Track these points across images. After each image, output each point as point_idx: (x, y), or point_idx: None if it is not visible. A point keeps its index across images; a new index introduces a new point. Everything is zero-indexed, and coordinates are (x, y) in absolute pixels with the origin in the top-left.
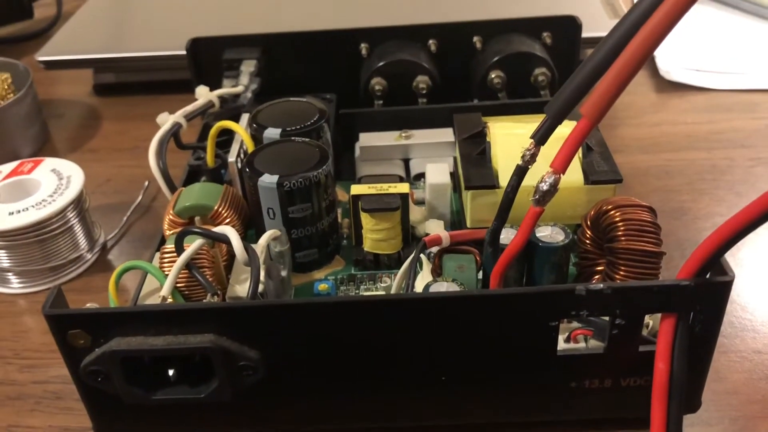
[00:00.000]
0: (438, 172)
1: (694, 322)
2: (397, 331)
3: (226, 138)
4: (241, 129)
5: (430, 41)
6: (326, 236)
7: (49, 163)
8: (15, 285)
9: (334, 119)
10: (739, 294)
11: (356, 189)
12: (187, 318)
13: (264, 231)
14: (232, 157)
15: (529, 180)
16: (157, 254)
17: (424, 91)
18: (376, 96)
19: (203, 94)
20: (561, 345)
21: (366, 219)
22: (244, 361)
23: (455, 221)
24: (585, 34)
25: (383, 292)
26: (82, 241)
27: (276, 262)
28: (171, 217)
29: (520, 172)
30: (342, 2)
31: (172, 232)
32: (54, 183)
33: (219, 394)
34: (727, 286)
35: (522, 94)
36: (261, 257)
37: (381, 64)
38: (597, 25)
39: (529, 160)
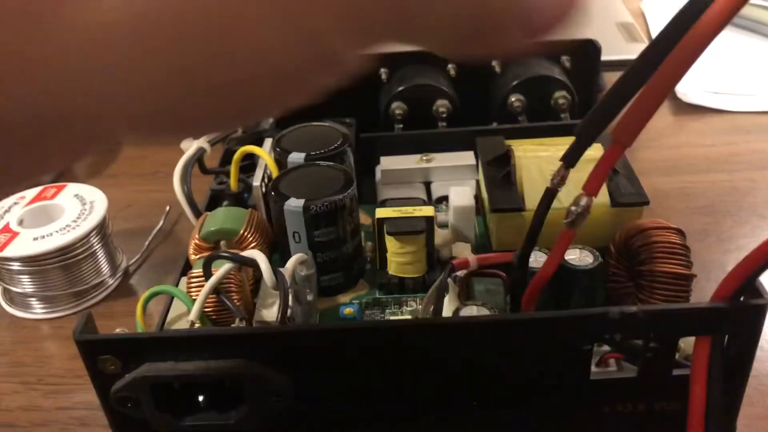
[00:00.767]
0: (462, 195)
1: (729, 346)
2: (428, 356)
3: (248, 162)
4: (265, 153)
5: (450, 65)
6: (351, 260)
7: (72, 188)
8: (38, 310)
9: (355, 143)
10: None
11: (381, 212)
12: (218, 343)
13: (289, 255)
14: (256, 182)
15: (555, 202)
16: (184, 279)
17: (444, 115)
18: (396, 120)
19: None
20: (592, 369)
21: (391, 242)
22: (274, 386)
23: (479, 244)
24: (603, 57)
25: (409, 316)
26: (105, 267)
27: (302, 287)
28: (197, 241)
29: (550, 195)
30: None
31: (198, 256)
32: (77, 208)
33: (248, 420)
34: (762, 309)
35: (542, 117)
36: (288, 282)
37: (401, 88)
38: (614, 48)
39: (559, 182)
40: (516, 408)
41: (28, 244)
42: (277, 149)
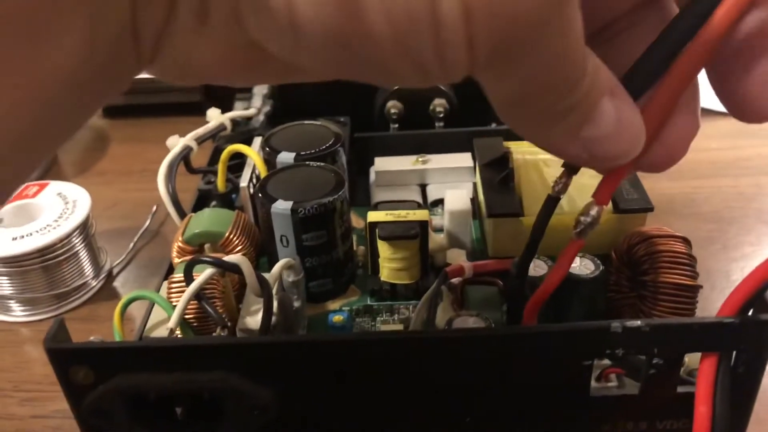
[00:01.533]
0: (457, 199)
1: (736, 362)
2: (418, 369)
3: (237, 162)
4: (253, 153)
5: None
6: (341, 265)
7: (55, 186)
8: (17, 313)
9: (348, 143)
10: None
11: (373, 216)
12: (196, 354)
13: (276, 259)
14: (244, 182)
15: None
16: (165, 283)
17: (441, 115)
18: (391, 119)
19: (214, 116)
20: (592, 384)
21: (383, 247)
22: (256, 400)
23: (476, 250)
24: None
25: (401, 325)
26: (88, 268)
27: (289, 293)
28: (180, 244)
29: (552, 203)
30: None
31: (181, 260)
32: (59, 207)
33: None
34: None
35: None
36: (274, 288)
37: (397, 86)
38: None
39: (561, 189)
40: (511, 425)
41: (7, 244)
42: (266, 148)
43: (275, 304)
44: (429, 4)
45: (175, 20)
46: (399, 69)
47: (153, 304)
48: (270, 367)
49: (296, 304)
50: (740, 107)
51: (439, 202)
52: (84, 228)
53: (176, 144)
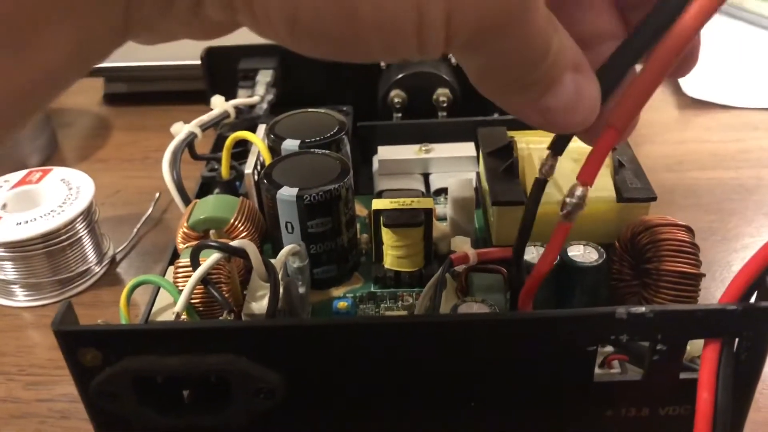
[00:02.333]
0: (462, 187)
1: (739, 349)
2: (424, 354)
3: (240, 149)
4: (258, 140)
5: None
6: (345, 252)
7: (58, 172)
8: (20, 298)
9: (351, 132)
10: None
11: (378, 203)
12: (204, 337)
13: (281, 246)
14: (248, 169)
15: (557, 194)
16: (171, 268)
17: (445, 105)
18: (395, 109)
19: (218, 104)
20: (596, 371)
21: (388, 235)
22: (263, 383)
23: (479, 238)
24: None
25: (405, 312)
26: (91, 254)
27: (294, 279)
28: (185, 230)
29: (540, 185)
30: None
31: (186, 245)
32: (63, 193)
33: (235, 418)
34: None
35: None
36: (279, 273)
37: (400, 76)
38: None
39: (548, 171)
40: (515, 410)
41: (10, 229)
42: (271, 136)
43: (281, 289)
44: (416, 14)
45: (170, 16)
46: (381, 58)
47: (158, 290)
48: (277, 351)
49: (301, 290)
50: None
51: (442, 191)
52: (87, 214)
53: (180, 131)
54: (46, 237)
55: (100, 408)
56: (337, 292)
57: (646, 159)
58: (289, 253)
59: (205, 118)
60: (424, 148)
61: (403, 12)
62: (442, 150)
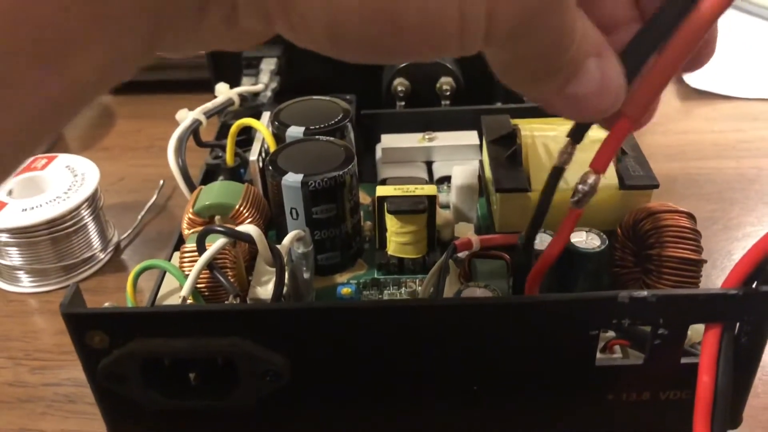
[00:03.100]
0: (465, 175)
1: (739, 334)
2: (428, 338)
3: (244, 137)
4: (263, 127)
5: None
6: (349, 239)
7: (63, 159)
8: (26, 284)
9: (355, 120)
10: None
11: (382, 190)
12: (210, 320)
13: (286, 232)
14: (253, 156)
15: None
16: (176, 254)
17: (448, 93)
18: (398, 97)
19: (223, 91)
20: (598, 355)
21: (391, 221)
22: (269, 365)
23: (481, 226)
24: None
25: (409, 298)
26: (96, 240)
27: (299, 264)
28: (190, 215)
29: (557, 173)
30: None
31: (191, 231)
32: (68, 180)
33: (242, 399)
34: None
35: None
36: (284, 258)
37: (404, 64)
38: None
39: (566, 159)
40: (517, 393)
41: (16, 215)
42: (276, 123)
43: (287, 274)
44: (458, 14)
45: (202, 29)
46: (421, 58)
47: (163, 275)
48: (283, 334)
49: (306, 275)
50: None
51: (445, 179)
52: (92, 201)
53: (185, 117)
54: (52, 223)
55: (107, 390)
56: (341, 278)
57: (649, 148)
58: (294, 239)
59: (210, 105)
60: (427, 137)
61: (447, 12)
62: (445, 138)
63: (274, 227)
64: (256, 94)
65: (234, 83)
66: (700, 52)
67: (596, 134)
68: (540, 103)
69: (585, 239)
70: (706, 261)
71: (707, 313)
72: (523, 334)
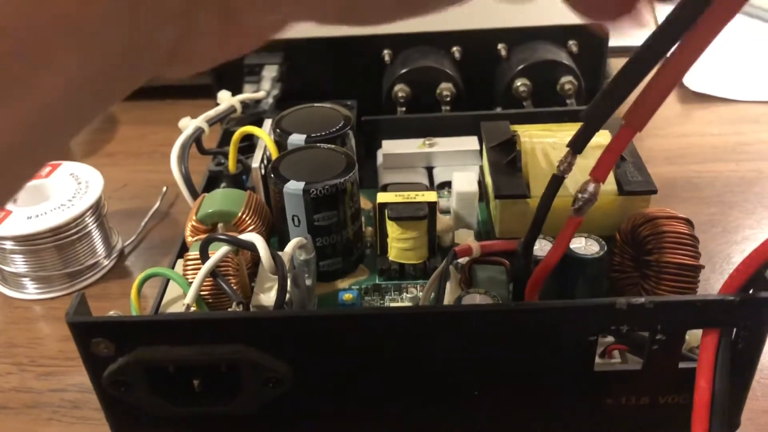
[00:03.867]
0: (465, 181)
1: (736, 339)
2: (428, 344)
3: (246, 144)
4: (265, 135)
5: (454, 48)
6: (351, 245)
7: (67, 167)
8: (31, 290)
9: (356, 126)
10: None
11: (383, 197)
12: (214, 327)
13: (288, 239)
14: (255, 163)
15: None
16: (180, 261)
17: (448, 99)
18: (399, 103)
19: (225, 98)
20: (597, 360)
21: (392, 227)
22: (272, 372)
23: (482, 231)
24: (611, 43)
25: (410, 303)
26: (100, 247)
27: (301, 271)
28: (193, 223)
29: (556, 182)
30: None
31: (195, 238)
32: (72, 187)
33: (245, 406)
34: None
35: (547, 103)
36: (287, 266)
37: (404, 70)
38: (622, 33)
39: (566, 168)
40: (517, 397)
41: (21, 222)
42: (277, 130)
43: (289, 281)
44: None
45: (193, 36)
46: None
47: (167, 282)
48: (285, 341)
49: (308, 282)
50: None
51: (446, 184)
52: (96, 208)
53: (188, 125)
54: (56, 231)
55: (113, 397)
56: (342, 284)
57: (649, 152)
58: (296, 246)
59: (212, 113)
60: (427, 142)
61: None
62: (445, 144)
63: (276, 234)
64: (258, 101)
65: (236, 90)
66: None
67: (596, 141)
68: None
69: (584, 245)
70: (703, 266)
71: (704, 318)
72: (522, 340)
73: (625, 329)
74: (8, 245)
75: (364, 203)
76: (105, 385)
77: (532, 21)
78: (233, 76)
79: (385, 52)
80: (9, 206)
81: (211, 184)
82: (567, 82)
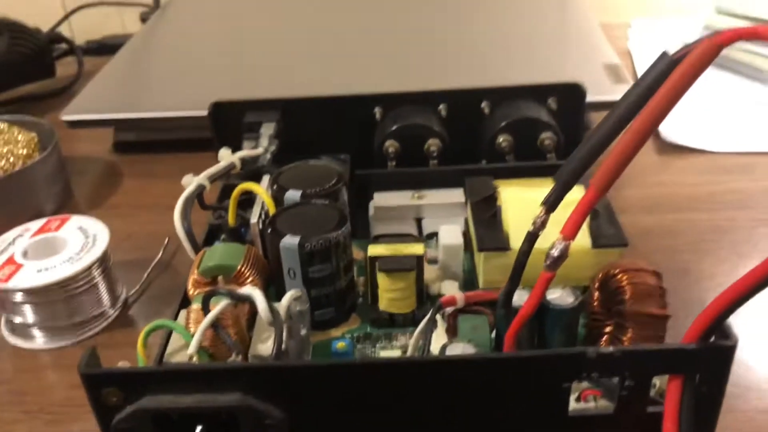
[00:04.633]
0: (451, 234)
1: (700, 384)
2: (415, 391)
3: (246, 197)
4: (263, 191)
5: (441, 106)
6: (344, 295)
7: (76, 221)
8: (39, 340)
9: (349, 178)
10: (743, 354)
11: (373, 250)
12: (216, 377)
13: (284, 289)
14: (254, 219)
15: (540, 242)
16: (182, 312)
17: (435, 153)
18: (389, 157)
19: (225, 156)
20: (572, 405)
21: (382, 279)
22: (270, 419)
23: (467, 280)
24: (589, 99)
25: (399, 351)
26: (105, 298)
27: (296, 322)
28: (195, 277)
29: (531, 238)
30: (357, 68)
31: (197, 291)
32: (80, 241)
33: None
34: (730, 350)
35: (529, 157)
36: (283, 317)
37: (395, 127)
38: (600, 89)
39: (539, 226)
40: None
41: (32, 276)
42: (275, 186)
43: (285, 332)
44: None
45: None
46: None
47: (170, 333)
48: (282, 389)
49: (303, 331)
50: None
51: (434, 235)
52: (103, 261)
53: (191, 182)
54: (65, 283)
55: None
56: (336, 332)
57: (625, 201)
58: (291, 299)
59: (213, 170)
60: (416, 195)
61: None
62: (433, 196)
63: (273, 284)
64: (256, 157)
65: (235, 145)
66: None
67: (571, 197)
68: None
69: (560, 295)
70: (670, 316)
71: (668, 365)
72: (501, 386)
73: (596, 376)
74: (18, 297)
75: (356, 253)
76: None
77: (514, 80)
78: (233, 132)
79: (377, 109)
80: (20, 260)
81: (212, 236)
82: (547, 137)
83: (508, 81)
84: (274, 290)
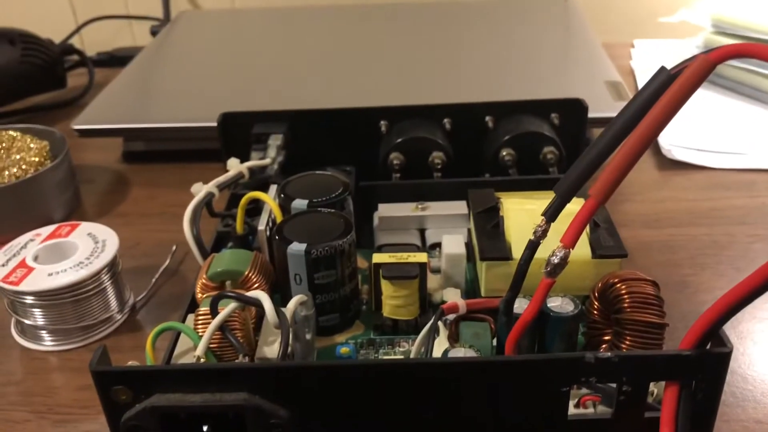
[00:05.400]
0: (454, 243)
1: (696, 390)
2: (417, 393)
3: (253, 206)
4: (270, 200)
5: (445, 120)
6: (348, 301)
7: (86, 227)
8: (47, 342)
9: (354, 190)
10: (740, 365)
11: (377, 257)
12: (223, 377)
13: (290, 295)
14: (261, 226)
15: (541, 252)
16: (191, 315)
17: (439, 166)
18: (394, 169)
19: (234, 165)
20: (571, 410)
21: (386, 286)
22: (275, 419)
23: (469, 289)
24: (591, 115)
25: (402, 357)
26: (113, 302)
27: (302, 326)
28: (203, 281)
29: (533, 247)
30: (364, 83)
31: (205, 295)
32: (90, 246)
33: None
34: (725, 356)
35: (531, 171)
36: (289, 321)
37: (399, 140)
38: (602, 106)
39: (540, 235)
40: None
41: (42, 279)
42: (282, 195)
43: (291, 335)
44: None
45: None
46: None
47: (177, 335)
48: (287, 390)
49: (308, 336)
50: None
51: (437, 245)
52: (112, 266)
53: (200, 190)
54: (74, 287)
55: None
56: (340, 338)
57: (626, 216)
58: (297, 303)
59: (222, 179)
60: (420, 206)
61: None
62: (436, 208)
63: (279, 290)
64: (264, 167)
65: (243, 155)
66: None
67: (571, 208)
68: None
69: (560, 304)
70: (668, 324)
71: (664, 372)
72: (501, 391)
73: (594, 381)
74: (29, 300)
75: (361, 263)
76: (122, 430)
77: (518, 95)
78: (241, 143)
79: (382, 123)
80: (31, 264)
81: (219, 243)
82: (549, 152)
83: (512, 96)
84: (280, 296)
